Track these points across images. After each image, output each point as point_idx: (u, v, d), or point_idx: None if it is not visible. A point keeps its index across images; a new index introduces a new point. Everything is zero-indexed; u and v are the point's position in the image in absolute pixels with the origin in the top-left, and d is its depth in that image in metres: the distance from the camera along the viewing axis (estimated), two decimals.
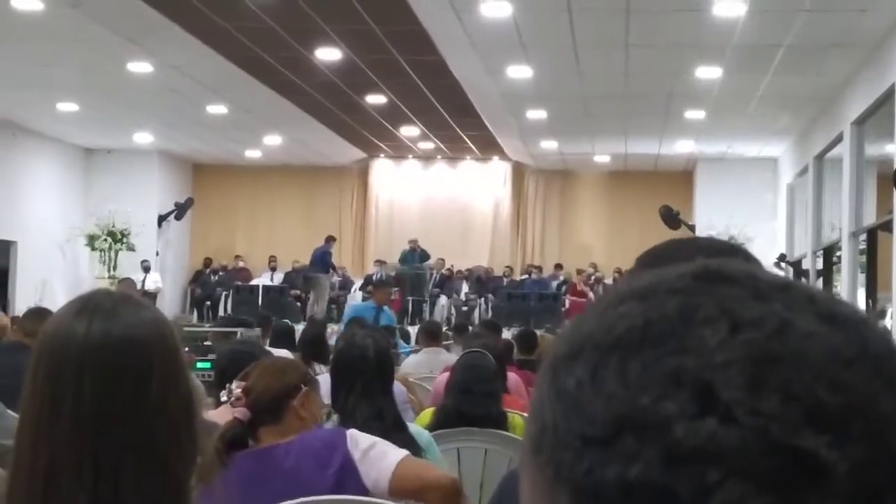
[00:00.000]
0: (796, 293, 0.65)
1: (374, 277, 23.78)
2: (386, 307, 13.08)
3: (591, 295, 23.40)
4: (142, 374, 1.72)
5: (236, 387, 3.39)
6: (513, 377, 7.18)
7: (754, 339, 0.62)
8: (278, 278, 25.30)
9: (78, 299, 1.83)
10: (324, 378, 4.51)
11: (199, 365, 7.81)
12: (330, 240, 23.89)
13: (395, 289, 14.28)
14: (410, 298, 23.29)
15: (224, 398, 3.41)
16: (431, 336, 9.89)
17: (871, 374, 0.62)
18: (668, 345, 0.62)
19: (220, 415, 4.72)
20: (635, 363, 0.63)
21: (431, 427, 5.17)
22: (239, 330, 9.04)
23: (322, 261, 22.72)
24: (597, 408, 0.62)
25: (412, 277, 23.65)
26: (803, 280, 17.76)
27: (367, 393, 4.21)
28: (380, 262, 24.45)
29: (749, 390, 0.60)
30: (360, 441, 3.36)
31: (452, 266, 25.24)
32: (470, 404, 5.38)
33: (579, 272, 24.34)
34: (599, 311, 0.67)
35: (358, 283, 24.77)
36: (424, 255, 24.36)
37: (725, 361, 0.61)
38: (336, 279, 24.03)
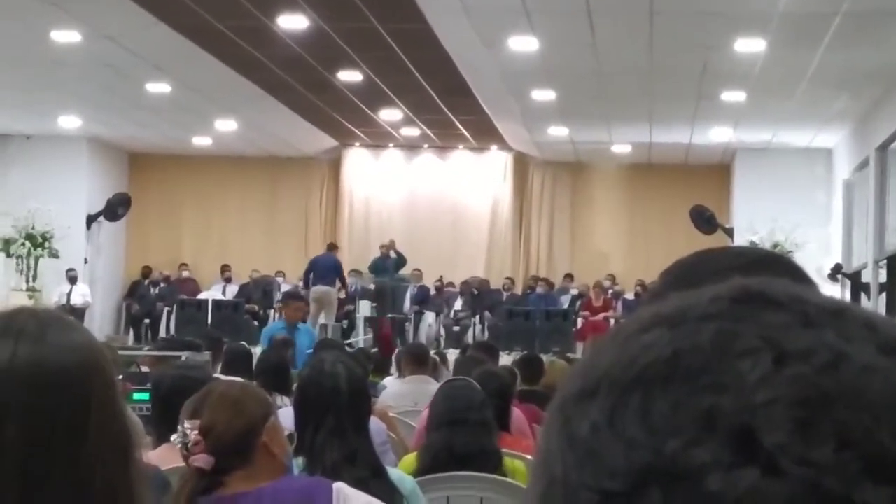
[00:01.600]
0: (852, 319, 0.65)
1: (350, 289, 23.79)
2: (306, 325, 13.04)
3: (609, 313, 23.44)
4: (77, 414, 1.69)
5: (190, 427, 3.30)
6: (515, 413, 7.17)
7: (802, 374, 0.62)
8: (232, 291, 25.28)
9: None
10: (286, 412, 4.51)
11: (136, 396, 7.78)
12: (334, 248, 23.93)
13: (303, 303, 14.26)
14: (392, 317, 23.29)
15: (177, 442, 3.32)
16: (417, 361, 9.88)
17: None
18: (701, 380, 0.62)
19: (160, 456, 4.71)
20: (661, 403, 0.62)
21: (417, 472, 5.16)
22: (184, 354, 9.03)
23: (332, 272, 22.68)
24: (616, 456, 0.62)
25: (393, 290, 23.66)
26: (863, 297, 17.73)
27: (339, 431, 4.20)
28: (354, 273, 24.44)
29: (797, 435, 0.60)
30: (350, 499, 3.30)
31: (442, 278, 25.25)
32: (460, 437, 5.38)
33: (595, 286, 24.38)
34: (620, 342, 0.67)
35: None
36: (399, 262, 24.28)
37: (768, 400, 0.61)
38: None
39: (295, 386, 4.75)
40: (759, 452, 0.59)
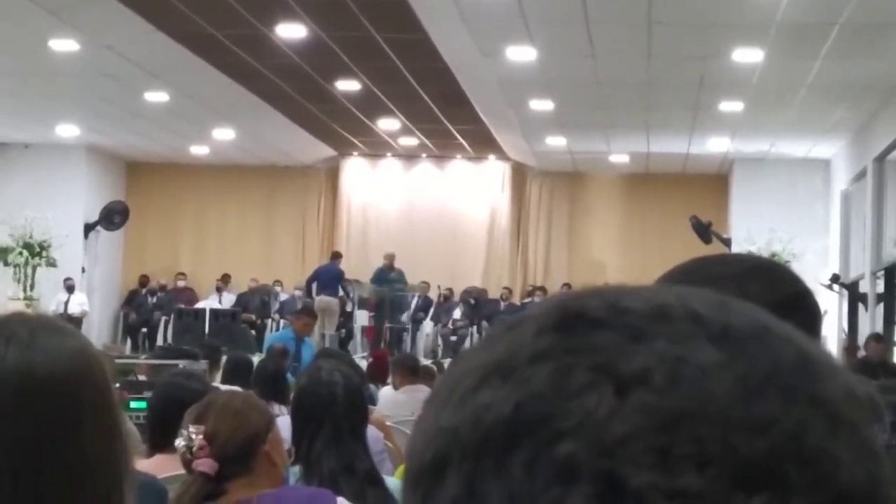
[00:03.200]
0: (677, 318, 0.63)
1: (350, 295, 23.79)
2: (309, 339, 13.32)
3: None
4: (66, 420, 1.67)
5: (195, 431, 3.33)
6: None
7: (646, 400, 0.60)
8: (229, 300, 25.27)
9: None
10: (283, 421, 4.50)
11: (133, 405, 7.78)
12: (338, 256, 23.92)
13: (314, 320, 14.76)
14: (388, 326, 23.28)
15: (181, 446, 3.34)
16: (410, 371, 9.89)
17: (789, 399, 0.61)
18: (549, 429, 0.60)
19: (156, 465, 4.70)
20: (516, 463, 0.60)
21: None
22: (181, 362, 9.02)
23: (334, 282, 22.72)
24: None
25: (391, 300, 23.64)
26: (861, 307, 17.67)
27: (336, 439, 4.20)
28: (351, 282, 24.42)
29: (658, 468, 0.58)
30: None
31: (440, 287, 25.24)
32: None
33: None
34: (457, 402, 0.64)
35: None
36: (402, 277, 24.33)
37: (622, 437, 0.59)
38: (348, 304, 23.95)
39: (292, 394, 4.75)
40: (626, 496, 0.57)
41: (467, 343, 23.59)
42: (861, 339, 17.22)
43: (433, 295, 24.94)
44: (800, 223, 22.54)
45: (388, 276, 24.14)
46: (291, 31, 16.11)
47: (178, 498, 3.27)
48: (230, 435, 3.34)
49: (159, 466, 4.64)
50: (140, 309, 25.37)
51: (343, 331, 23.60)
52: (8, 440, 1.66)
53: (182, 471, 3.53)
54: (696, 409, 0.59)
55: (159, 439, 4.94)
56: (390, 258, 24.48)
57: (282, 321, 23.99)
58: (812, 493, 0.58)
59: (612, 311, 0.64)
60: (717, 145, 22.17)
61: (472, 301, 24.88)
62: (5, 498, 1.64)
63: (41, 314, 1.93)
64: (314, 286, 22.73)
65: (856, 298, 19.75)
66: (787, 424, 0.59)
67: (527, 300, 25.11)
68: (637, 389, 0.60)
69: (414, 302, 24.27)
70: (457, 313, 24.78)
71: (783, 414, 0.59)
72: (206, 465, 3.29)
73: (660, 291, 0.67)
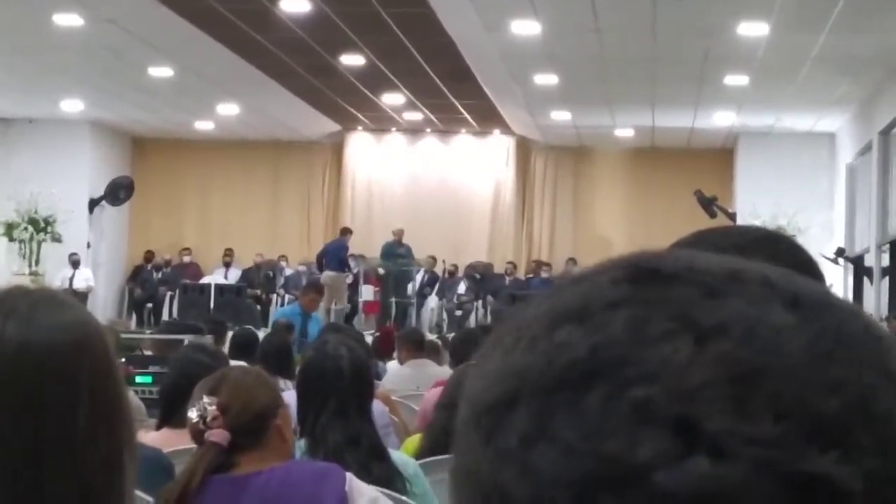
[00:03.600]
0: (750, 280, 0.65)
1: (355, 270, 23.82)
2: (316, 314, 13.32)
3: None
4: (66, 395, 1.67)
5: (209, 402, 3.37)
6: None
7: (726, 350, 0.61)
8: (234, 275, 25.29)
9: None
10: (289, 395, 4.52)
11: (139, 380, 7.81)
12: (346, 232, 23.90)
13: (320, 295, 14.70)
14: (394, 300, 23.30)
15: (195, 416, 3.37)
16: (415, 345, 9.90)
17: (859, 365, 0.62)
18: (626, 373, 0.61)
19: (163, 439, 4.72)
20: (590, 402, 0.60)
21: (420, 454, 5.17)
22: (186, 337, 9.03)
23: (338, 257, 22.73)
24: (555, 466, 0.60)
25: (396, 275, 23.67)
26: (866, 281, 17.70)
27: (341, 413, 4.21)
28: (356, 256, 24.43)
29: (736, 415, 0.59)
30: (362, 492, 3.36)
31: (445, 262, 25.24)
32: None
33: None
34: (528, 343, 0.64)
35: None
36: (409, 253, 24.33)
37: (700, 384, 0.60)
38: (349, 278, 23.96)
39: (298, 368, 4.76)
40: (702, 439, 0.58)
41: (472, 318, 23.63)
42: (867, 313, 17.20)
43: (438, 270, 24.93)
44: (805, 197, 22.54)
45: (396, 250, 24.17)
46: (295, 6, 16.08)
47: (191, 468, 3.30)
48: (242, 408, 3.38)
49: (167, 440, 4.67)
50: (145, 284, 25.41)
51: (348, 305, 23.63)
52: (6, 413, 1.66)
53: (190, 444, 3.55)
54: (773, 364, 0.60)
55: (169, 414, 4.96)
56: (399, 233, 24.48)
57: (287, 296, 24.03)
58: (881, 455, 0.59)
59: (687, 269, 0.65)
60: (722, 119, 22.15)
61: (477, 276, 24.89)
62: (5, 470, 1.65)
63: (43, 288, 1.92)
64: (323, 262, 22.75)
65: (861, 272, 19.74)
66: (857, 388, 0.60)
67: (531, 276, 25.13)
68: (716, 340, 0.61)
69: (419, 277, 24.28)
70: (461, 288, 24.79)
71: (854, 377, 0.61)
72: (219, 435, 3.33)
73: (734, 259, 0.68)
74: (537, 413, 0.61)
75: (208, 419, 3.34)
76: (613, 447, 0.59)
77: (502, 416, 0.62)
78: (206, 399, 3.37)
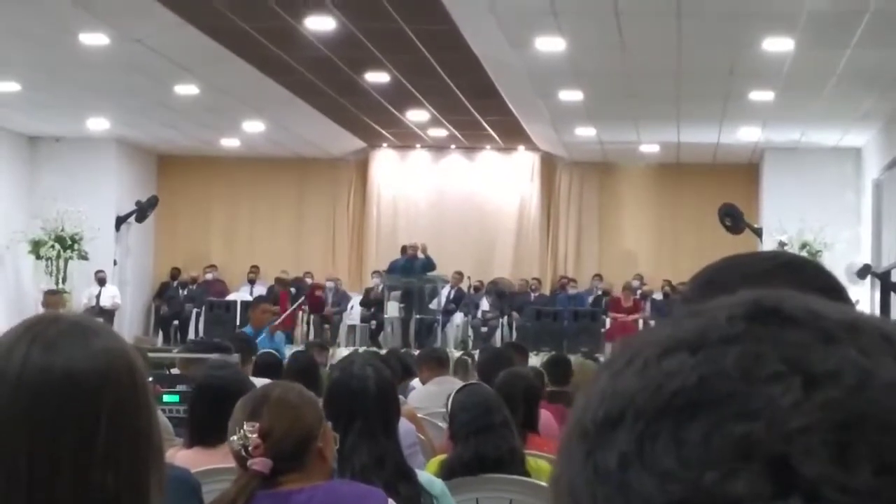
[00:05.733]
0: (869, 332, 0.65)
1: (371, 292, 23.83)
2: (279, 333, 12.76)
3: (638, 315, 23.34)
4: (84, 422, 1.68)
5: (250, 430, 3.31)
6: (544, 414, 7.18)
7: (834, 398, 0.61)
8: (259, 292, 25.31)
9: (21, 325, 1.81)
10: None
11: (167, 398, 7.82)
12: (407, 251, 24.05)
13: (276, 307, 13.77)
14: (416, 317, 23.29)
15: (236, 445, 3.31)
16: (436, 363, 9.89)
17: None
18: (731, 408, 0.62)
19: (192, 458, 4.73)
20: (693, 432, 0.61)
21: (445, 476, 5.18)
22: (213, 356, 9.05)
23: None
24: (651, 490, 0.61)
25: (420, 291, 23.65)
26: (893, 297, 17.58)
27: (368, 433, 4.22)
28: (380, 273, 24.46)
29: (836, 463, 0.59)
30: None
31: (470, 278, 25.22)
32: (490, 444, 5.40)
33: (625, 288, 24.27)
34: (639, 367, 0.66)
35: (356, 298, 24.78)
36: (428, 264, 24.21)
37: (803, 427, 0.60)
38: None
39: (325, 388, 4.77)
40: (798, 482, 0.59)
41: (498, 335, 23.61)
42: None
43: (464, 286, 24.90)
44: (831, 212, 22.45)
45: (412, 265, 24.05)
46: (320, 24, 16.12)
47: (231, 496, 3.28)
48: (286, 432, 3.32)
49: (196, 460, 4.67)
50: (171, 301, 25.46)
51: (373, 322, 23.65)
52: (25, 438, 1.68)
53: (218, 464, 3.54)
54: (880, 417, 0.60)
55: (197, 433, 4.97)
56: (413, 248, 24.31)
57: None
58: None
59: (807, 313, 0.65)
60: (747, 135, 22.10)
61: (498, 293, 24.78)
62: (21, 494, 1.66)
63: (73, 314, 1.94)
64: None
65: (888, 288, 19.64)
66: None
67: (557, 291, 25.09)
68: (825, 386, 0.61)
69: (445, 293, 24.26)
70: (484, 304, 24.74)
71: None
72: (261, 464, 3.28)
73: (855, 311, 0.68)
74: (639, 436, 0.62)
75: (250, 448, 3.29)
76: (710, 479, 0.60)
77: (605, 434, 0.64)
78: (246, 426, 3.31)
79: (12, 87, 19.60)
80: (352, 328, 24.34)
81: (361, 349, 16.52)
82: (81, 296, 22.96)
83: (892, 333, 0.65)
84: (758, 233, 22.93)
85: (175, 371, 9.30)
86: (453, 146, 26.57)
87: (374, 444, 4.21)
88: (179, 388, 7.94)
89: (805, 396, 0.61)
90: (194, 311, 24.57)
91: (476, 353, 13.85)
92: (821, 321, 0.65)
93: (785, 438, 0.60)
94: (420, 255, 24.26)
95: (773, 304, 0.66)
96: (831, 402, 0.61)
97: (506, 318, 24.18)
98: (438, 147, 26.65)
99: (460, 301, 24.61)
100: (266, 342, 12.24)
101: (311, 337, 23.15)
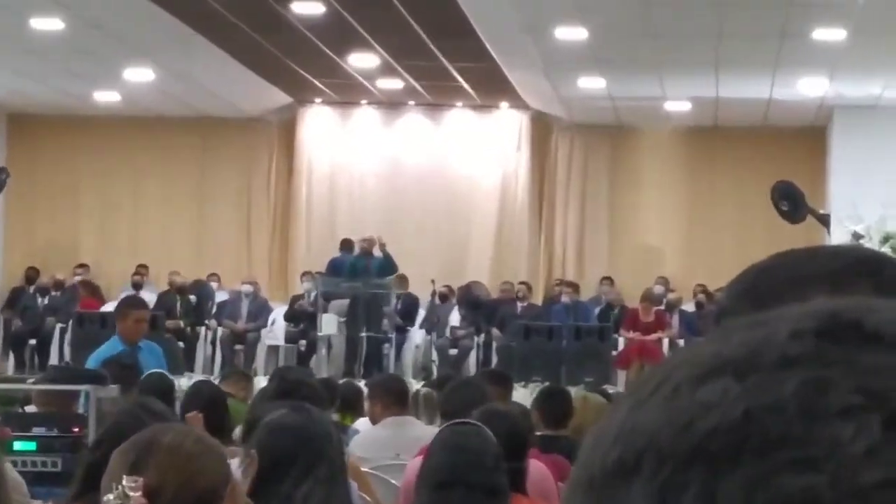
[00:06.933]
0: None
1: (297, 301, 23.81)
2: (153, 344, 12.82)
3: (663, 333, 23.38)
4: None
5: (130, 486, 3.28)
6: (535, 467, 7.19)
7: None
8: (147, 301, 25.23)
9: None
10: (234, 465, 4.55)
11: (19, 446, 7.79)
12: (347, 246, 24.08)
13: (143, 311, 13.75)
14: (365, 335, 23.26)
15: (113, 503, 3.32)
16: (394, 398, 9.89)
17: None
18: (785, 454, 0.62)
19: None
20: (731, 486, 0.62)
21: None
22: (84, 388, 9.02)
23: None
24: None
25: (369, 302, 23.60)
26: None
27: (303, 495, 4.25)
28: (312, 276, 24.40)
29: None
30: None
31: (434, 282, 25.20)
32: None
33: (644, 297, 24.30)
34: (668, 395, 0.66)
35: (279, 310, 24.71)
36: (387, 265, 24.14)
37: (881, 483, 0.60)
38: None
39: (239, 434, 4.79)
40: None
41: (472, 359, 23.59)
42: None
43: (425, 294, 24.85)
44: None
45: (363, 264, 24.01)
46: None
47: None
48: (179, 489, 3.32)
49: None
50: (27, 313, 25.36)
51: (303, 342, 23.61)
52: None
53: None
54: None
55: (88, 486, 4.96)
56: (368, 243, 24.27)
57: (220, 329, 24.02)
58: None
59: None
60: (810, 88, 22.19)
61: (472, 302, 24.77)
62: None
63: None
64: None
65: None
66: None
67: (552, 300, 25.10)
68: None
69: (390, 303, 24.08)
70: (453, 317, 24.71)
71: None
72: None
73: None
74: (661, 488, 0.62)
75: None
76: None
77: (617, 486, 0.64)
78: (126, 481, 3.30)
79: None
80: (273, 350, 24.29)
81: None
82: None
83: None
84: (824, 221, 23.01)
85: (31, 409, 9.26)
86: (412, 102, 26.58)
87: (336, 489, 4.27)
88: (37, 431, 7.92)
89: (885, 440, 0.61)
90: (58, 326, 24.48)
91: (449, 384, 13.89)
92: None
93: (856, 496, 0.60)
94: (377, 252, 24.15)
95: (853, 318, 0.66)
96: None
97: (482, 336, 24.18)
98: (391, 104, 26.66)
99: (412, 313, 24.55)
100: (150, 356, 12.25)
101: (217, 362, 23.12)
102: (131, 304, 14.22)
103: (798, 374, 0.64)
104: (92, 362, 12.43)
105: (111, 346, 12.69)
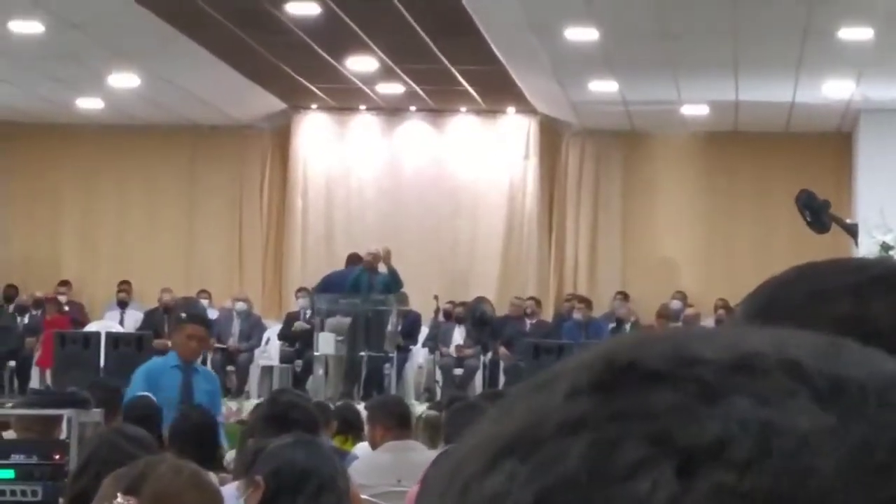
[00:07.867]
0: (766, 367, 0.64)
1: (295, 319, 23.79)
2: (211, 372, 12.69)
3: None
4: None
5: (122, 502, 3.34)
6: None
7: (721, 481, 0.60)
8: (133, 320, 25.26)
9: None
10: (227, 491, 4.56)
11: None
12: (354, 261, 24.07)
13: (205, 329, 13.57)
14: (365, 354, 23.25)
15: None
16: (396, 421, 9.88)
17: None
18: None
19: None
20: None
21: None
22: (65, 412, 9.03)
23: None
24: None
25: (368, 317, 23.58)
26: None
27: None
28: (308, 292, 24.38)
29: None
30: None
31: (437, 298, 25.19)
32: None
33: (660, 314, 24.29)
34: (458, 491, 0.64)
35: (273, 328, 24.71)
36: (393, 282, 24.12)
37: None
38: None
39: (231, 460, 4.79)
40: None
41: (478, 379, 23.59)
42: None
43: (428, 310, 24.84)
44: None
45: (366, 282, 23.99)
46: None
47: None
48: None
49: None
50: (6, 334, 25.37)
51: (299, 362, 23.61)
52: None
53: None
54: (794, 493, 0.60)
55: None
56: (373, 256, 24.22)
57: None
58: None
59: (676, 362, 0.64)
60: (836, 90, 22.20)
61: (479, 319, 24.76)
62: None
63: None
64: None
65: None
66: None
67: (562, 317, 25.11)
68: (708, 467, 0.60)
69: (391, 321, 24.06)
70: (459, 336, 24.69)
71: None
72: None
73: (747, 334, 0.67)
74: None
75: None
76: None
77: None
78: (120, 498, 3.34)
79: None
80: (267, 371, 24.30)
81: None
82: None
83: (805, 362, 0.64)
84: (851, 231, 23.00)
85: (10, 435, 9.27)
86: (413, 108, 26.61)
87: None
88: (15, 459, 7.91)
89: (683, 487, 0.60)
90: (38, 345, 24.49)
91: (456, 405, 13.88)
92: (695, 369, 0.64)
93: None
94: (382, 267, 24.07)
95: (626, 360, 0.65)
96: (718, 487, 0.60)
97: (489, 355, 24.19)
98: (391, 109, 26.69)
99: (414, 332, 24.54)
100: (205, 381, 12.22)
101: None
102: (187, 317, 13.79)
103: (582, 437, 0.62)
104: (138, 375, 12.33)
105: (163, 362, 12.54)
